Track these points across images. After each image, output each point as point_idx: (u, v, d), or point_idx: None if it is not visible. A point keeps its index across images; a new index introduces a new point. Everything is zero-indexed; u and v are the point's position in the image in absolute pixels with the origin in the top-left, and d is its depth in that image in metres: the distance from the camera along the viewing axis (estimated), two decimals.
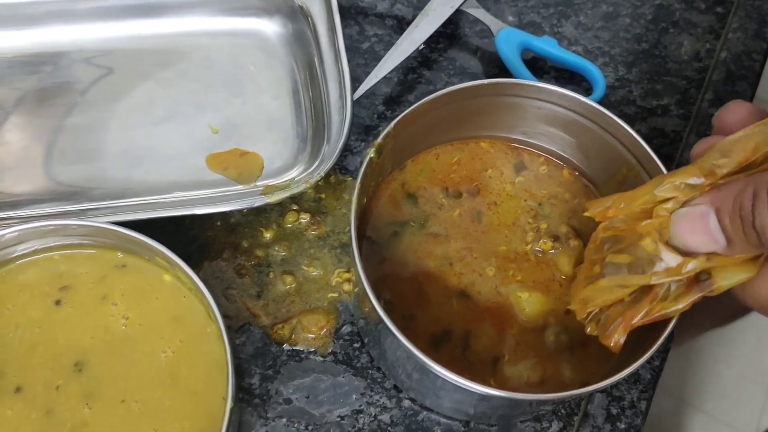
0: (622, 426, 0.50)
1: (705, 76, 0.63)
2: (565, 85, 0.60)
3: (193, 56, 0.58)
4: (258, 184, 0.52)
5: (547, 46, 0.59)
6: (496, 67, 0.61)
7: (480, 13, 0.60)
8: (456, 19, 0.62)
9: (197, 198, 0.51)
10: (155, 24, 0.58)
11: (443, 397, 0.46)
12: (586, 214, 0.42)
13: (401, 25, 0.62)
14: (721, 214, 0.35)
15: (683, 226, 0.37)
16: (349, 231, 0.42)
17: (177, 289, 0.45)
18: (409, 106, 0.45)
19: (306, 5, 0.57)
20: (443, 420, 0.49)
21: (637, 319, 0.39)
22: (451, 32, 0.63)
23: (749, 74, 0.63)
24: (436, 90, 0.46)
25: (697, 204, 0.37)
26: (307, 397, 0.49)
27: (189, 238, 0.52)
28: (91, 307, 0.44)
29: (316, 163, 0.52)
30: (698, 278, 0.38)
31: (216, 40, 0.59)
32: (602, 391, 0.50)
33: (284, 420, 0.48)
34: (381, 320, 0.40)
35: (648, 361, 0.51)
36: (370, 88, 0.55)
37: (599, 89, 0.58)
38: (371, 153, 0.44)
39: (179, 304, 0.45)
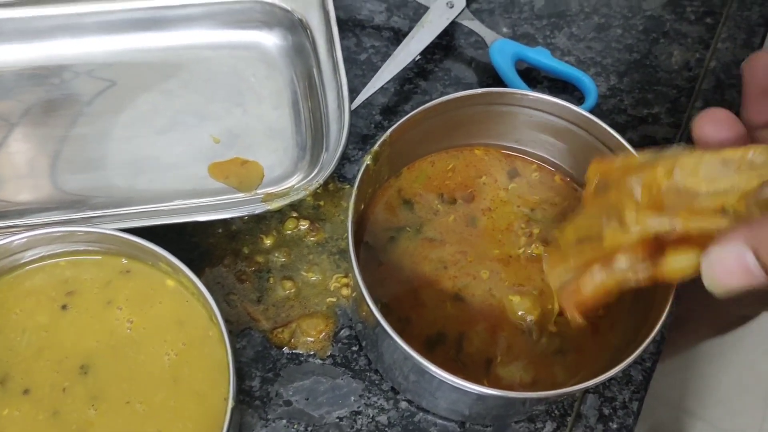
0: (614, 426, 0.51)
1: (695, 85, 0.64)
2: (558, 94, 0.61)
3: (195, 68, 0.60)
4: (258, 192, 0.54)
5: (540, 56, 0.61)
6: (491, 77, 0.63)
7: (475, 25, 0.61)
8: (451, 30, 0.64)
9: (199, 206, 0.52)
10: (158, 37, 0.60)
11: (439, 398, 0.47)
12: (592, 166, 0.42)
13: (398, 36, 0.63)
14: (760, 252, 0.33)
15: (720, 270, 0.35)
16: (347, 237, 0.43)
17: (180, 294, 0.46)
18: (406, 116, 0.46)
19: (305, 18, 0.58)
20: (439, 421, 0.50)
21: (590, 286, 0.39)
22: (446, 43, 0.64)
23: (738, 83, 0.64)
24: (431, 100, 0.47)
25: (728, 243, 0.35)
26: (307, 399, 0.50)
27: (191, 245, 0.54)
28: (97, 312, 0.45)
29: (315, 171, 0.53)
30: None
31: (217, 53, 0.60)
32: (594, 392, 0.52)
33: (284, 421, 0.49)
34: (378, 323, 0.42)
35: (639, 363, 0.52)
36: (367, 98, 0.57)
37: (591, 98, 0.59)
38: (368, 160, 0.45)
39: (182, 309, 0.46)
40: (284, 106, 0.58)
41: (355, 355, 0.51)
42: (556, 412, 0.51)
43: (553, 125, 0.50)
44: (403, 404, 0.50)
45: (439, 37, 0.60)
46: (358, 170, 0.45)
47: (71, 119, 0.57)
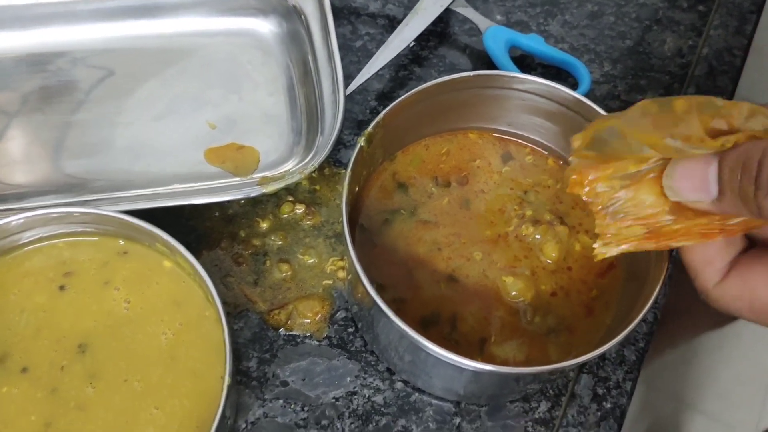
0: (608, 405, 0.51)
1: (687, 71, 0.65)
2: (551, 80, 0.62)
3: (191, 55, 0.60)
4: (254, 176, 0.54)
5: (533, 43, 0.62)
6: (485, 64, 0.63)
7: (469, 12, 0.62)
8: (446, 17, 0.64)
9: (196, 189, 0.53)
10: (155, 24, 0.61)
11: (434, 377, 0.48)
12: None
13: (392, 24, 0.64)
14: (723, 164, 0.34)
15: (681, 168, 0.35)
16: (342, 219, 0.44)
17: (177, 275, 0.47)
18: (399, 98, 0.47)
19: (300, 5, 0.59)
20: (435, 401, 0.51)
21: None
22: (440, 30, 0.65)
23: (730, 69, 0.65)
24: None
25: (702, 156, 0.35)
26: (303, 380, 0.51)
27: (188, 228, 0.54)
28: (94, 292, 0.46)
29: (310, 156, 0.54)
30: None
31: (214, 40, 0.61)
32: (588, 372, 0.52)
33: (281, 401, 0.50)
34: (374, 303, 0.42)
35: (633, 343, 0.53)
36: (362, 84, 0.57)
37: (585, 84, 0.60)
38: (361, 142, 0.46)
39: (179, 289, 0.47)
40: (279, 92, 0.59)
41: (351, 337, 0.52)
42: (550, 392, 0.51)
43: (546, 109, 0.50)
44: (399, 384, 0.51)
45: (434, 24, 0.61)
46: (352, 152, 0.46)
47: (69, 105, 0.58)
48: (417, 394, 0.51)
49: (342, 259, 0.54)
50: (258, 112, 0.58)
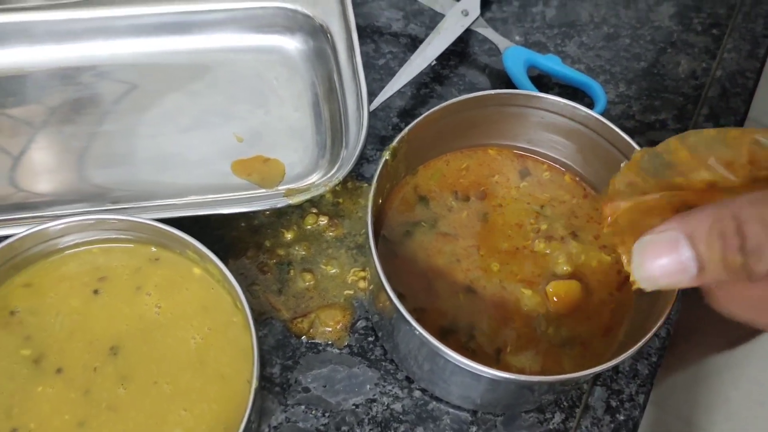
0: (621, 418, 0.53)
1: (701, 93, 0.66)
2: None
3: (219, 70, 0.62)
4: (280, 188, 0.56)
5: (551, 63, 0.63)
6: (504, 83, 0.65)
7: (489, 33, 0.64)
8: (466, 37, 0.66)
9: (223, 199, 0.54)
10: (185, 40, 0.63)
11: (452, 386, 0.49)
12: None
13: (414, 43, 0.66)
14: (695, 240, 0.31)
15: (649, 253, 0.33)
16: (365, 231, 0.45)
17: (206, 281, 0.49)
18: (423, 114, 0.49)
19: (326, 24, 0.61)
20: (452, 410, 0.52)
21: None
22: (461, 50, 0.67)
23: (743, 92, 0.67)
24: None
25: (663, 230, 0.33)
26: (324, 386, 0.52)
27: (215, 237, 0.56)
28: (127, 297, 0.48)
29: (335, 169, 0.55)
30: None
31: (241, 56, 0.63)
32: (602, 384, 0.53)
33: (303, 407, 0.51)
34: (396, 310, 0.44)
35: (646, 357, 0.54)
36: (385, 101, 0.59)
37: (600, 104, 0.62)
38: (386, 155, 0.48)
39: (208, 295, 0.48)
40: (305, 108, 0.61)
41: (371, 345, 0.54)
42: (564, 403, 0.53)
43: (564, 127, 0.52)
44: (417, 393, 0.52)
45: (454, 43, 0.63)
46: (377, 165, 0.47)
47: (100, 117, 0.60)
48: (434, 402, 0.52)
49: (363, 270, 0.55)
50: (284, 126, 0.60)
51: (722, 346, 1.14)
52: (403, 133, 0.48)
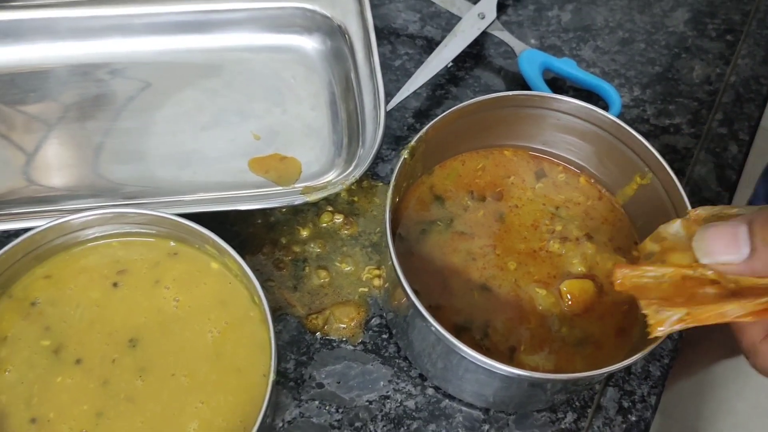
0: (633, 418, 0.53)
1: (715, 98, 0.67)
2: None
3: (237, 69, 0.63)
4: (296, 186, 0.56)
5: (566, 66, 0.64)
6: (519, 85, 0.65)
7: (505, 36, 0.64)
8: (482, 40, 0.67)
9: (241, 196, 0.55)
10: (204, 39, 0.63)
11: (465, 383, 0.49)
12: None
13: (430, 45, 0.66)
14: (754, 225, 0.35)
15: (711, 231, 0.37)
16: (382, 228, 0.46)
17: (224, 276, 0.49)
18: (442, 114, 0.49)
19: (344, 25, 0.62)
20: (464, 408, 0.52)
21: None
22: (477, 52, 0.67)
23: (757, 97, 0.67)
24: None
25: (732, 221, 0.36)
26: (338, 383, 0.52)
27: (232, 234, 0.57)
28: (145, 290, 0.48)
29: (351, 168, 0.56)
30: None
31: (260, 55, 0.63)
32: (614, 385, 0.54)
33: (316, 402, 0.52)
34: (412, 306, 0.44)
35: (658, 359, 0.54)
36: (401, 102, 0.60)
37: (615, 107, 0.62)
38: (405, 154, 0.48)
39: (225, 290, 0.49)
40: (322, 107, 0.61)
41: (385, 343, 0.54)
42: (576, 403, 0.53)
43: (581, 129, 0.53)
44: (430, 390, 0.53)
45: (470, 46, 0.63)
46: (396, 163, 0.48)
47: (119, 113, 0.60)
48: (447, 400, 0.53)
49: (378, 268, 0.56)
50: (301, 124, 0.60)
51: (729, 354, 1.14)
52: (422, 132, 0.49)
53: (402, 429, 0.51)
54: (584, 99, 0.64)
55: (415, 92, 0.61)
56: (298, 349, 0.53)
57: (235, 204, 0.53)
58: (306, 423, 0.51)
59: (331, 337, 0.54)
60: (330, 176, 0.57)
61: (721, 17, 0.71)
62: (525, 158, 0.55)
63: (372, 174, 0.60)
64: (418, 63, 0.63)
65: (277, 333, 0.54)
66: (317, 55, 0.64)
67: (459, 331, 0.49)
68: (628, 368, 0.54)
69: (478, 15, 0.64)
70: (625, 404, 0.53)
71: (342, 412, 0.52)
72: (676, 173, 0.49)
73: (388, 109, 0.58)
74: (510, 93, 0.51)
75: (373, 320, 0.55)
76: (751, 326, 0.40)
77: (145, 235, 0.50)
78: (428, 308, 0.49)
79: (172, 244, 0.50)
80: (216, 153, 0.59)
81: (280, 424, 0.51)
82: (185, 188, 0.57)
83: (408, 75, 0.62)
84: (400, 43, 0.67)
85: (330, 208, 0.58)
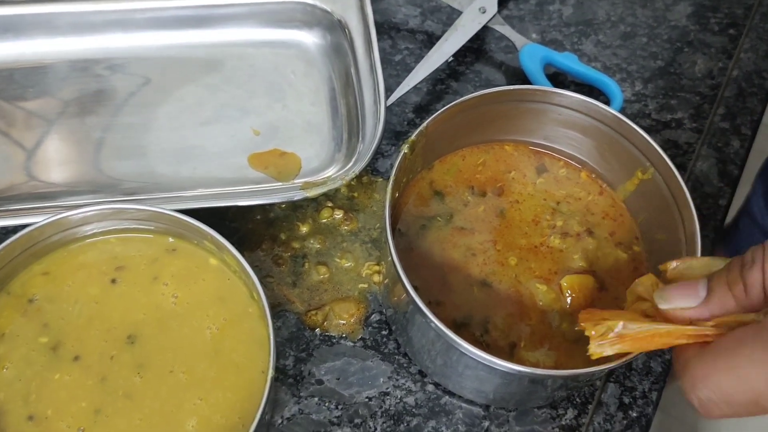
0: (634, 414, 0.53)
1: (717, 92, 0.66)
2: None
3: (238, 64, 0.63)
4: (296, 181, 0.56)
5: (568, 61, 0.63)
6: (519, 80, 0.65)
7: (506, 30, 0.64)
8: (483, 35, 0.66)
9: (241, 192, 0.55)
10: (205, 34, 0.63)
11: (465, 380, 0.49)
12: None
13: (431, 40, 0.66)
14: (714, 275, 0.37)
15: (671, 285, 0.38)
16: (382, 224, 0.46)
17: (222, 272, 0.49)
18: (442, 108, 0.49)
19: (344, 19, 0.61)
20: (464, 405, 0.52)
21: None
22: (477, 47, 0.67)
23: (759, 91, 0.67)
24: None
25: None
26: (338, 379, 0.52)
27: (231, 230, 0.56)
28: (144, 286, 0.48)
29: (351, 163, 0.56)
30: None
31: (259, 50, 0.63)
32: (615, 381, 0.53)
33: (316, 399, 0.52)
34: (412, 302, 0.44)
35: (659, 355, 0.54)
36: (401, 97, 0.60)
37: (617, 102, 0.62)
38: (405, 149, 0.48)
39: (224, 286, 0.49)
40: (322, 102, 0.61)
41: (384, 339, 0.54)
42: (577, 399, 0.53)
43: (582, 124, 0.52)
44: (430, 387, 0.52)
45: (471, 40, 0.63)
46: (395, 158, 0.48)
47: (118, 109, 0.60)
48: (447, 397, 0.52)
49: (378, 264, 0.56)
50: (301, 120, 0.60)
51: None
52: (422, 127, 0.48)
53: (402, 425, 0.51)
54: (586, 94, 0.64)
55: (415, 87, 0.60)
56: (297, 345, 0.53)
57: (235, 200, 0.53)
58: (305, 419, 0.51)
59: (331, 334, 0.54)
60: (330, 172, 0.56)
61: (724, 11, 0.71)
62: (526, 153, 0.55)
63: (372, 169, 0.60)
64: (419, 58, 0.62)
65: (276, 329, 0.53)
66: (317, 50, 0.63)
67: (459, 327, 0.49)
68: (629, 364, 0.54)
69: (479, 9, 0.64)
70: (626, 400, 0.53)
71: (341, 409, 0.51)
72: (677, 168, 0.49)
73: (388, 104, 0.57)
74: (511, 87, 0.51)
75: (373, 316, 0.54)
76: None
77: (143, 231, 0.49)
78: (428, 304, 0.49)
79: (171, 240, 0.50)
80: (216, 148, 0.59)
81: (279, 421, 0.51)
82: (185, 184, 0.56)
83: (408, 70, 0.61)
84: (400, 37, 0.67)
85: (330, 204, 0.58)
